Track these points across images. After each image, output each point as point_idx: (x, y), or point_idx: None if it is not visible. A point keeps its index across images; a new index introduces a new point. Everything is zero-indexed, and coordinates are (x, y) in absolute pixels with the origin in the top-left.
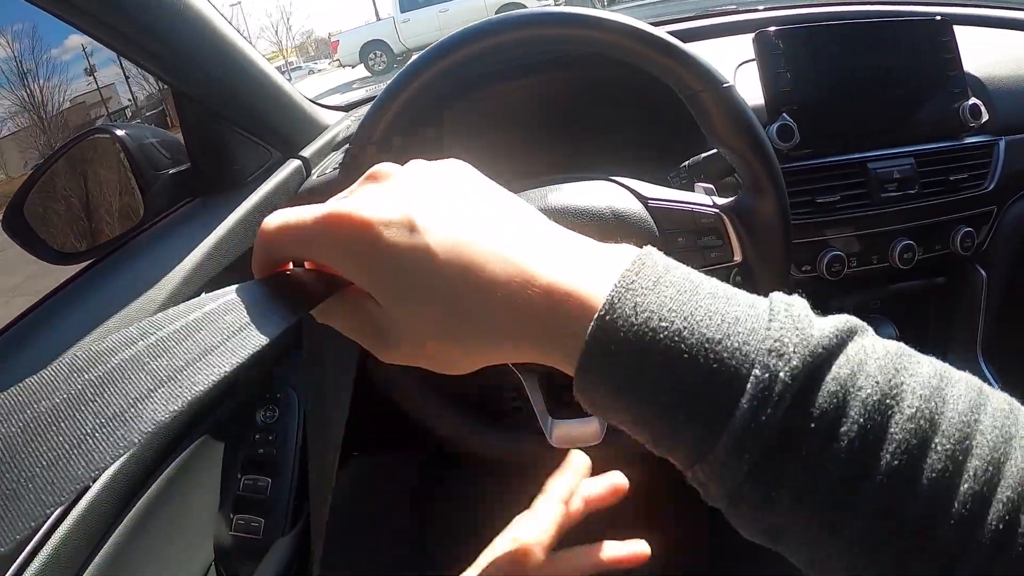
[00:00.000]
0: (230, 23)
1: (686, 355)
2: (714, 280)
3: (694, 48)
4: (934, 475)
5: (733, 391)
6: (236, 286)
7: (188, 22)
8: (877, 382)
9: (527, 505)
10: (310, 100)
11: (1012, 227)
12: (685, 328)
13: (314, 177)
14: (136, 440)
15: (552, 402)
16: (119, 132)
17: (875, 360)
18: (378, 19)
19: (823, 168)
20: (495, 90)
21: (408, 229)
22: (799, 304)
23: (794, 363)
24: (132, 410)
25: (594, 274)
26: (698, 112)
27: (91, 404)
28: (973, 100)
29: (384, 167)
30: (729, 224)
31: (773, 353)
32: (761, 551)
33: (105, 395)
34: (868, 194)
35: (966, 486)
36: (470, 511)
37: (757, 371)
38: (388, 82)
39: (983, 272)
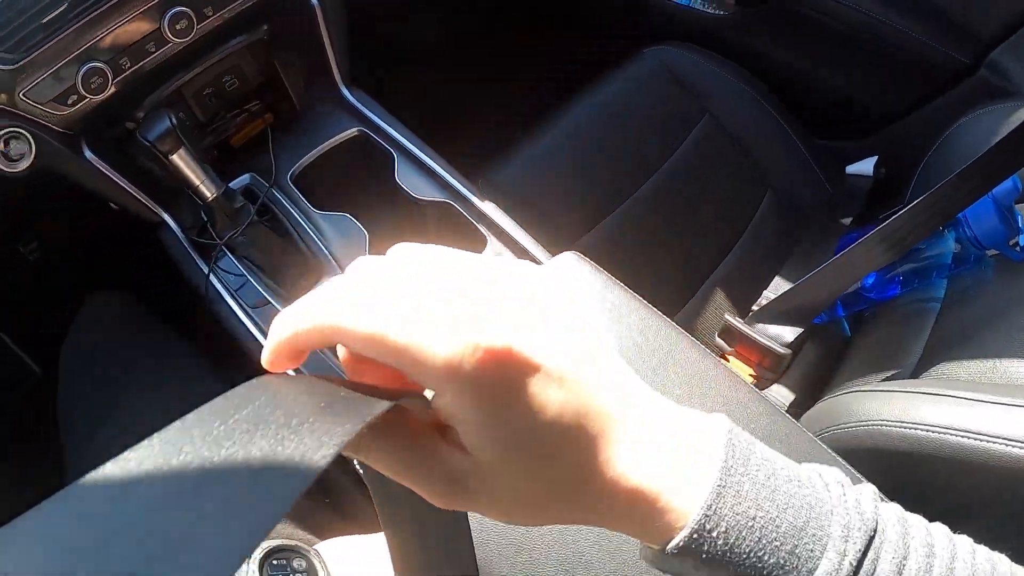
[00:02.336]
0: None
1: (776, 542)
2: (781, 457)
3: None
4: None
5: (812, 566)
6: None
7: None
8: (896, 548)
9: None
10: None
11: None
12: (778, 516)
13: None
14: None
15: None
16: None
17: (893, 528)
18: None
19: None
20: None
21: (548, 376)
22: (845, 484)
23: (858, 546)
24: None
25: (690, 467)
26: None
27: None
28: None
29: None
30: None
31: (843, 538)
32: None
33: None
34: None
35: None
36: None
37: (831, 555)
38: None
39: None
